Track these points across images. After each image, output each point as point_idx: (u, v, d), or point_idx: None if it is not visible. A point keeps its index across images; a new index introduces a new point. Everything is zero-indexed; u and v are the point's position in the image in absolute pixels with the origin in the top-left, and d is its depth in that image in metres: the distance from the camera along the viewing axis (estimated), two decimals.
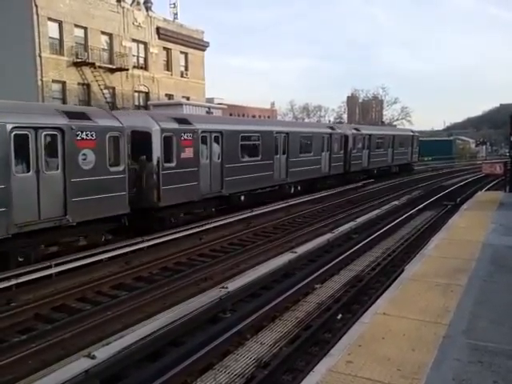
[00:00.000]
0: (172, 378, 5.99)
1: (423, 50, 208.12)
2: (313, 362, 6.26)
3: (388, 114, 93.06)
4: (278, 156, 21.43)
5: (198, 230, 15.10)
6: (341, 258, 11.74)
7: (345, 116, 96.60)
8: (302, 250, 12.12)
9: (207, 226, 15.55)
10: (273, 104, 74.85)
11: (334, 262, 11.29)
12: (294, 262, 11.32)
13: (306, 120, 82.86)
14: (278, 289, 9.56)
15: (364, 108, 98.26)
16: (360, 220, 16.50)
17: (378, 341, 5.63)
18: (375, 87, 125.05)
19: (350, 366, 5.00)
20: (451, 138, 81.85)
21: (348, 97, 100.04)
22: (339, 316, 8.39)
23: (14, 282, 9.60)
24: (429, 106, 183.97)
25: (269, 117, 57.76)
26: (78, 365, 5.91)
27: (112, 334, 7.21)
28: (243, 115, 45.99)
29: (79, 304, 9.37)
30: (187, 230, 14.81)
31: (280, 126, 24.09)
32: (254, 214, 18.09)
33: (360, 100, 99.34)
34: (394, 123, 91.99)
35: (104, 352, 6.17)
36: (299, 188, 23.45)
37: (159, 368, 6.17)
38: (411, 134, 41.41)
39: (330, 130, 26.98)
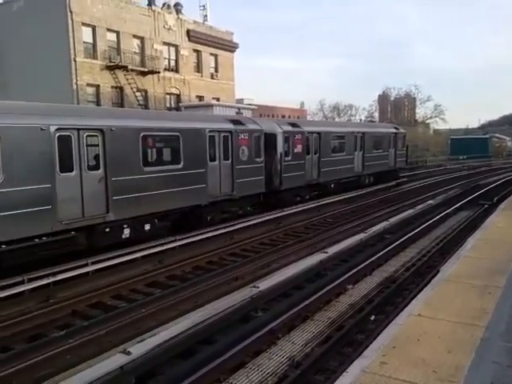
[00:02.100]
0: (205, 376, 6.05)
1: (457, 47, 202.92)
2: (346, 363, 6.20)
3: (421, 112, 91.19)
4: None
5: (228, 229, 15.20)
6: (374, 258, 11.58)
7: (376, 115, 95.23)
8: (333, 250, 12.02)
9: (238, 226, 15.64)
10: (302, 104, 74.62)
11: (366, 263, 11.14)
12: (326, 262, 11.24)
13: (337, 119, 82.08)
14: (309, 289, 9.51)
15: (396, 106, 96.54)
16: (393, 220, 16.24)
17: (413, 342, 5.53)
18: (407, 85, 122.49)
19: (384, 367, 4.93)
20: (487, 135, 79.35)
21: (379, 95, 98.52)
22: (372, 317, 8.28)
23: (52, 279, 9.91)
24: (463, 104, 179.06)
25: (298, 117, 57.57)
26: (114, 361, 6.04)
27: (146, 331, 7.33)
28: (272, 115, 45.94)
29: (114, 301, 9.58)
30: (218, 229, 14.93)
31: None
32: (284, 213, 18.08)
33: (392, 98, 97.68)
34: (427, 121, 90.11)
35: (139, 348, 6.29)
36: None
37: (192, 365, 6.24)
38: (393, 130, 31.20)
39: (227, 126, 16.62)
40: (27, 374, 6.38)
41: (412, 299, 7.74)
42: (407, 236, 13.97)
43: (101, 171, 11.82)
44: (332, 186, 23.16)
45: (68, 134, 11.11)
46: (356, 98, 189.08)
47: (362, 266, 10.92)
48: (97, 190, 11.60)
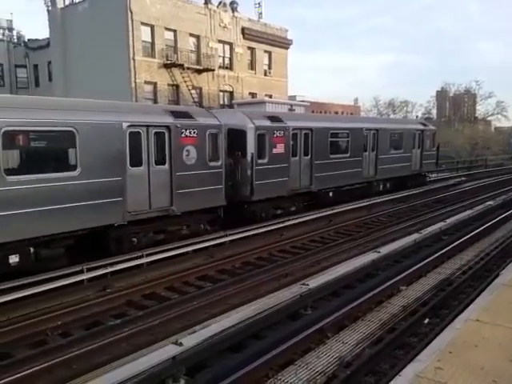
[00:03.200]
0: (254, 371, 6.09)
1: None
2: (398, 366, 6.04)
3: (482, 109, 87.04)
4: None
5: (278, 226, 15.20)
6: (429, 259, 11.19)
7: (434, 111, 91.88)
8: (386, 249, 11.73)
9: (288, 223, 15.60)
10: (356, 100, 73.24)
11: (421, 264, 10.79)
12: (378, 262, 10.99)
13: (392, 116, 79.89)
14: (360, 288, 9.34)
15: (455, 103, 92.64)
16: (450, 220, 15.62)
17: (471, 348, 5.30)
18: (467, 81, 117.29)
19: (439, 372, 4.76)
20: None
21: (437, 91, 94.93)
22: (426, 320, 8.01)
23: (109, 269, 10.33)
24: None
25: (352, 113, 56.59)
26: (166, 351, 6.21)
27: (197, 323, 7.47)
28: (325, 112, 45.42)
29: (167, 293, 9.86)
30: (268, 225, 14.96)
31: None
32: (335, 211, 17.84)
33: (451, 94, 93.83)
34: (489, 118, 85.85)
35: (190, 340, 6.42)
36: None
37: (242, 359, 6.30)
38: (419, 127, 25.76)
39: (162, 120, 12.63)
40: (86, 359, 6.69)
41: (469, 303, 7.43)
42: (465, 238, 13.39)
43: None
44: (331, 194, 18.71)
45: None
46: (412, 95, 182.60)
47: (417, 267, 10.59)
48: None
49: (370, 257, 11.08)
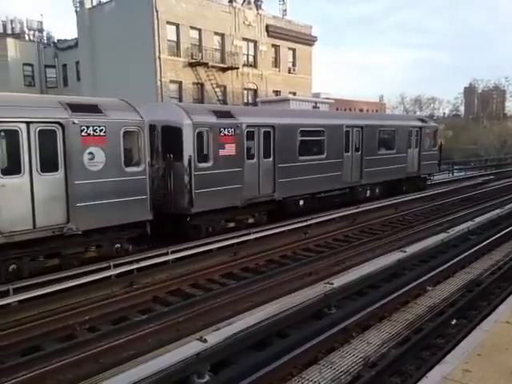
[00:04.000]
0: (278, 369, 6.09)
1: None
2: (424, 368, 5.95)
3: (511, 105, 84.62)
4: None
5: (302, 224, 15.13)
6: (456, 259, 10.98)
7: (462, 108, 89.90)
8: (412, 249, 11.54)
9: (311, 221, 15.51)
10: (381, 97, 72.21)
11: (448, 264, 10.59)
12: (404, 262, 10.83)
13: (418, 113, 78.47)
14: (386, 288, 9.23)
15: (483, 99, 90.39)
16: (479, 220, 15.26)
17: (501, 351, 5.18)
18: (496, 77, 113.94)
19: (467, 375, 4.67)
20: None
21: (465, 88, 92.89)
22: (454, 321, 7.86)
23: (135, 266, 10.49)
24: None
25: (377, 111, 55.83)
26: (191, 347, 6.26)
27: (221, 320, 7.51)
28: (350, 110, 44.99)
29: (192, 289, 9.94)
30: (292, 224, 14.91)
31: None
32: (360, 210, 17.66)
33: (479, 91, 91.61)
34: None
35: (214, 337, 6.46)
36: None
37: (265, 357, 6.31)
38: (416, 124, 22.74)
39: (52, 115, 10.09)
40: (112, 353, 6.82)
41: (498, 305, 7.25)
42: (494, 237, 13.07)
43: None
44: (301, 203, 16.15)
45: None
46: (440, 91, 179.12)
47: (444, 267, 10.40)
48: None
49: (395, 256, 10.93)
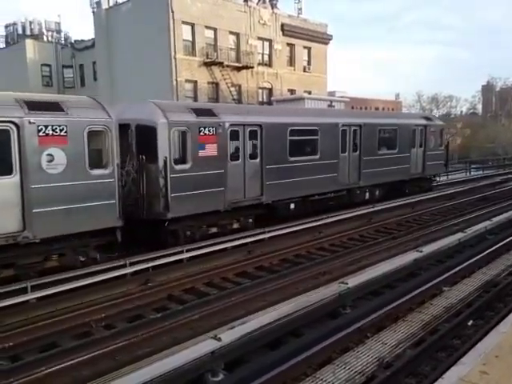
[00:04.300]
0: (292, 368, 6.09)
1: None
2: (440, 369, 5.89)
3: None
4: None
5: (316, 223, 15.08)
6: (473, 259, 10.83)
7: (479, 106, 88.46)
8: (428, 249, 11.41)
9: (326, 221, 15.44)
10: (397, 95, 71.48)
11: (465, 264, 10.46)
12: (420, 262, 10.72)
13: (435, 111, 77.51)
14: (401, 288, 9.15)
15: (501, 97, 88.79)
16: (497, 219, 15.01)
17: None
18: None
19: (484, 377, 4.60)
20: None
21: (483, 86, 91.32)
22: (470, 322, 7.76)
23: (151, 264, 10.58)
24: None
25: (393, 109, 55.34)
26: (205, 345, 6.29)
27: (235, 318, 7.53)
28: (365, 108, 44.66)
29: (206, 288, 9.99)
30: (306, 223, 14.86)
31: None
32: (375, 209, 17.54)
33: (497, 89, 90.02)
34: None
35: (228, 335, 6.48)
36: None
37: (279, 356, 6.31)
38: (420, 122, 21.56)
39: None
40: (128, 351, 6.89)
41: None
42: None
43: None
44: (292, 206, 15.28)
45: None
46: (457, 89, 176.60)
47: (461, 267, 10.26)
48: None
49: (411, 256, 10.82)
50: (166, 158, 11.59)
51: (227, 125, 13.11)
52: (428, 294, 8.93)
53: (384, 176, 19.01)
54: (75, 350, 6.89)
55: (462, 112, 77.07)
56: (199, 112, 12.77)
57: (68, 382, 6.01)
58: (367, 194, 18.60)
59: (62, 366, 6.37)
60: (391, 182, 19.62)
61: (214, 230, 13.20)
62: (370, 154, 18.35)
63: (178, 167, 12.00)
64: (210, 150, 12.69)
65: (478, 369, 4.76)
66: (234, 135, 13.44)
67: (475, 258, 10.92)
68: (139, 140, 11.96)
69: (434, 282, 9.31)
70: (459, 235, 12.88)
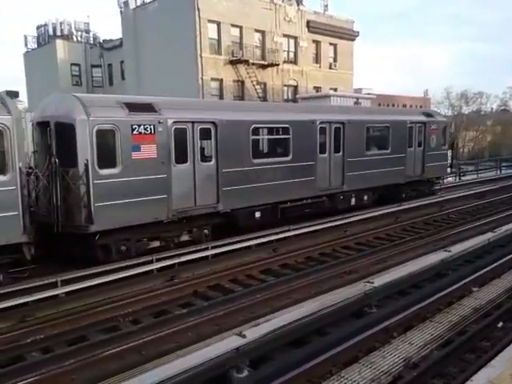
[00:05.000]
0: (317, 366, 6.07)
1: None
2: (468, 371, 5.78)
3: None
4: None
5: (342, 222, 14.98)
6: (503, 260, 10.56)
7: (511, 103, 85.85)
8: (457, 249, 11.18)
9: (351, 219, 15.32)
10: (426, 92, 70.16)
11: (495, 265, 10.21)
12: (448, 262, 10.52)
13: (464, 108, 75.72)
14: (428, 288, 9.00)
15: None
16: None
17: None
18: None
19: None
20: None
21: None
22: (500, 324, 7.58)
23: (177, 260, 10.71)
24: None
25: (421, 106, 54.38)
26: (230, 342, 6.33)
27: (260, 316, 7.55)
28: (392, 105, 44.02)
29: (231, 285, 10.06)
30: (331, 221, 14.78)
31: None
32: (402, 208, 17.29)
33: None
34: None
35: (253, 332, 6.50)
36: None
37: (304, 354, 6.30)
38: (418, 119, 19.42)
39: None
40: (154, 346, 7.00)
41: None
42: None
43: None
44: (257, 215, 13.40)
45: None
46: (488, 86, 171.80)
47: (490, 267, 10.03)
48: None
49: (439, 256, 10.62)
50: (87, 161, 9.88)
51: (170, 122, 11.29)
52: (456, 295, 8.76)
53: (374, 179, 16.98)
54: (103, 343, 7.04)
55: (492, 109, 75.01)
56: (133, 107, 10.89)
57: (96, 374, 6.14)
58: (353, 200, 16.52)
59: (91, 359, 6.52)
60: (384, 185, 17.71)
61: (156, 243, 11.45)
62: (357, 154, 16.41)
63: (104, 172, 10.21)
64: (148, 151, 10.89)
65: (509, 372, 4.65)
66: (180, 134, 11.60)
67: (505, 259, 10.64)
68: (58, 140, 10.34)
69: (463, 282, 9.12)
70: (489, 235, 12.57)
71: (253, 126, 13.26)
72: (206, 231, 12.48)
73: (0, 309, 8.17)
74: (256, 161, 13.33)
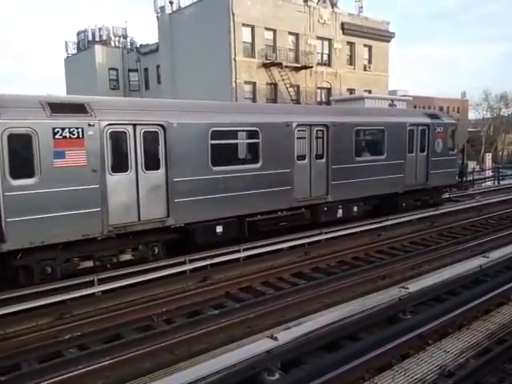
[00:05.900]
0: (349, 371, 6.00)
1: None
2: (507, 381, 5.58)
3: None
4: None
5: (376, 226, 14.76)
6: None
7: None
8: (496, 255, 10.85)
9: (386, 223, 15.08)
10: (463, 94, 68.36)
11: None
12: (487, 268, 10.21)
13: (504, 110, 73.23)
14: (466, 295, 8.76)
15: None
16: None
17: None
18: None
19: None
20: None
21: None
22: None
23: (209, 261, 10.83)
24: None
25: (459, 108, 53.08)
26: (262, 344, 6.35)
27: (291, 319, 7.54)
28: (429, 107, 43.06)
29: (262, 287, 10.09)
30: (365, 225, 14.59)
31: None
32: (438, 212, 16.90)
33: None
34: None
35: (285, 335, 6.50)
36: None
37: (337, 359, 6.24)
38: (421, 121, 17.28)
39: None
40: (186, 345, 7.10)
41: None
42: None
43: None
44: (219, 229, 11.83)
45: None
46: None
47: None
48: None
49: (476, 262, 10.33)
50: None
51: (104, 124, 9.85)
52: (494, 302, 8.48)
53: (366, 188, 15.13)
54: (137, 342, 7.19)
55: None
56: (58, 108, 9.46)
57: (130, 371, 6.27)
58: (340, 212, 14.63)
59: (126, 356, 6.66)
60: (378, 195, 15.82)
61: (89, 263, 10.15)
62: (344, 161, 14.55)
63: (18, 182, 8.89)
64: (74, 158, 9.47)
65: None
66: (118, 139, 10.30)
67: None
68: None
69: (502, 289, 8.82)
70: None
71: (211, 130, 11.61)
72: (156, 249, 11.08)
73: (39, 306, 8.48)
74: (216, 168, 11.72)
